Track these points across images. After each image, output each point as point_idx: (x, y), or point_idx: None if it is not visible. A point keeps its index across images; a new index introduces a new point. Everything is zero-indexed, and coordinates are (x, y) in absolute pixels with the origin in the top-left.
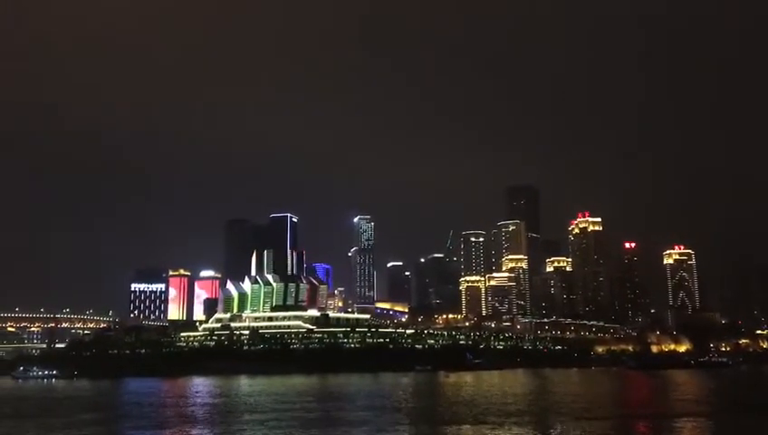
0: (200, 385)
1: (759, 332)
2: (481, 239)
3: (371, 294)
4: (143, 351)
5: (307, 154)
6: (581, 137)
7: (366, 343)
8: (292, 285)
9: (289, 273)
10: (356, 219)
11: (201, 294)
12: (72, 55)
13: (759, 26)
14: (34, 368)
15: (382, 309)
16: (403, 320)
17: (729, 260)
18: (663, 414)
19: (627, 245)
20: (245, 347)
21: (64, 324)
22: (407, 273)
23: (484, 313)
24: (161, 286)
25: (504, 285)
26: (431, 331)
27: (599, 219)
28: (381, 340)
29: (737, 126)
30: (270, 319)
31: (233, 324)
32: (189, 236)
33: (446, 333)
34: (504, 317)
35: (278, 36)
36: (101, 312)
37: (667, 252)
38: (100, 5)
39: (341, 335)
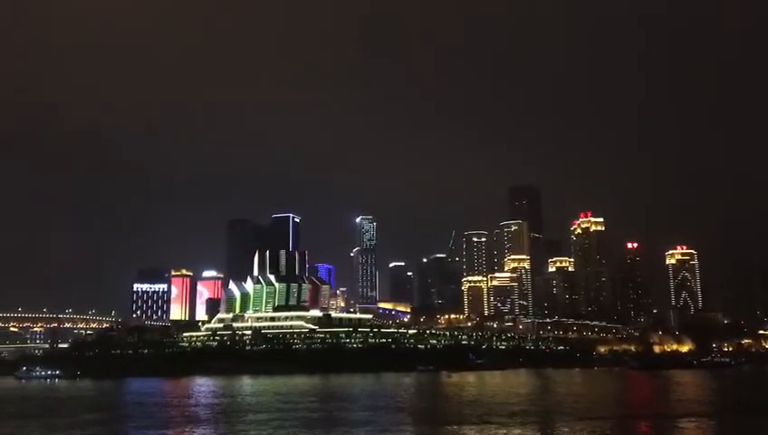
0: (203, 385)
1: (761, 332)
2: (483, 239)
3: (374, 294)
4: (146, 351)
5: (307, 154)
6: (581, 137)
7: (368, 343)
8: (294, 286)
9: (291, 273)
10: (358, 219)
11: (203, 293)
12: (72, 55)
13: (759, 26)
14: (37, 368)
15: (384, 309)
16: (405, 320)
17: (731, 260)
18: (665, 414)
19: (629, 245)
20: (248, 347)
21: (67, 324)
22: (409, 273)
23: (486, 313)
24: (164, 286)
25: (507, 286)
26: (433, 331)
27: (601, 219)
28: (383, 340)
29: (737, 126)
30: (272, 319)
31: (235, 325)
32: (189, 236)
33: (448, 333)
34: (507, 317)
35: (278, 36)
36: (104, 312)
37: (670, 252)
38: (100, 5)
39: (344, 335)
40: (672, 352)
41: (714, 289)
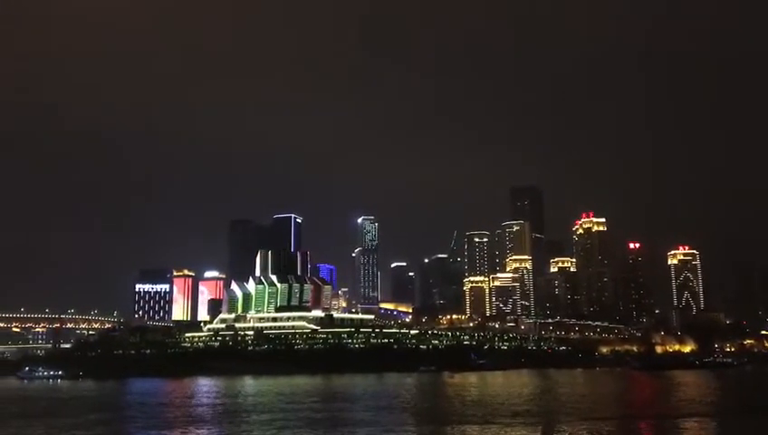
0: (205, 386)
1: (763, 332)
2: (485, 240)
3: (375, 294)
4: (148, 351)
5: (307, 154)
6: (581, 137)
7: (370, 343)
8: (296, 286)
9: (293, 273)
10: (360, 220)
11: (205, 294)
12: (71, 55)
13: (759, 26)
14: (40, 368)
15: (386, 309)
16: (407, 320)
17: (733, 260)
18: (667, 415)
19: (631, 245)
20: (250, 348)
21: (69, 325)
22: (411, 273)
23: (488, 313)
24: (165, 287)
25: (509, 286)
26: (435, 331)
27: (603, 220)
28: (385, 340)
29: (737, 126)
30: (274, 319)
31: (237, 325)
32: (190, 236)
33: (450, 333)
34: (509, 318)
35: (278, 36)
36: (106, 312)
37: (672, 252)
38: (100, 6)
39: (346, 336)
40: (674, 352)
41: (715, 289)
